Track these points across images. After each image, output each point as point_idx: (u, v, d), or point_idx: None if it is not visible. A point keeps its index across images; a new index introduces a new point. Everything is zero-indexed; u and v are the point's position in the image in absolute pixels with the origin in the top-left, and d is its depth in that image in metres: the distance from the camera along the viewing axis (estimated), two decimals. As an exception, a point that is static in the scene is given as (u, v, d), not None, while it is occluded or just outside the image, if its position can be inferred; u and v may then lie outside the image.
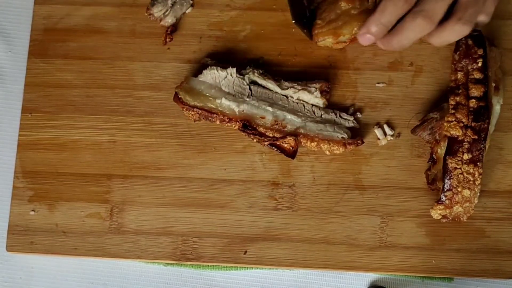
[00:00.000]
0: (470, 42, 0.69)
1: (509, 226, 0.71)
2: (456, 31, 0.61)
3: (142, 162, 0.73)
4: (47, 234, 0.72)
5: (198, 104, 0.70)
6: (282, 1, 0.75)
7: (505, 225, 0.71)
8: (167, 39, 0.75)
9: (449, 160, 0.67)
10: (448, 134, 0.67)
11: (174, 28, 0.75)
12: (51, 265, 0.74)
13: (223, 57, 0.74)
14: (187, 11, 0.75)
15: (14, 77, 0.78)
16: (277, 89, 0.72)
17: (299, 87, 0.72)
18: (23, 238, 0.72)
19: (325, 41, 0.71)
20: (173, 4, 0.74)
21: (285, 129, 0.70)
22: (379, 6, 0.62)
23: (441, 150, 0.68)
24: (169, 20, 0.75)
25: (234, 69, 0.71)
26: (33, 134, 0.74)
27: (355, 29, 0.70)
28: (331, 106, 0.73)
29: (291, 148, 0.70)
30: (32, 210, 0.73)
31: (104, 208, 0.73)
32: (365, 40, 0.64)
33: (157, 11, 0.74)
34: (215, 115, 0.70)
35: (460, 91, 0.68)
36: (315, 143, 0.70)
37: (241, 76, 0.71)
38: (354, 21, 0.70)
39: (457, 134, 0.67)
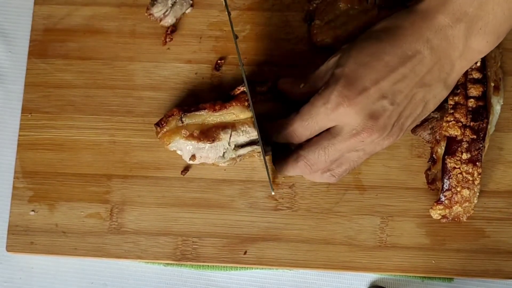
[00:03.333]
0: (470, 42, 0.69)
1: (509, 226, 0.71)
2: (322, 179, 0.67)
3: (142, 162, 0.73)
4: (47, 234, 0.72)
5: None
6: (282, 1, 0.75)
7: (505, 225, 0.71)
8: (167, 39, 0.75)
9: (448, 159, 0.67)
10: (447, 134, 0.67)
11: (174, 28, 0.75)
12: (51, 265, 0.74)
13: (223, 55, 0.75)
14: (187, 11, 0.75)
15: (14, 77, 0.78)
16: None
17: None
18: (23, 238, 0.72)
19: (324, 41, 0.71)
20: (173, 4, 0.74)
21: None
22: (278, 127, 0.67)
23: (441, 150, 0.68)
24: (169, 20, 0.75)
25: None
26: (33, 134, 0.74)
27: (353, 29, 0.70)
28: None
29: None
30: (32, 210, 0.73)
31: (104, 208, 0.73)
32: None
33: (157, 11, 0.74)
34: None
35: (458, 91, 0.68)
36: None
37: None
38: (352, 21, 0.70)
39: (456, 133, 0.67)
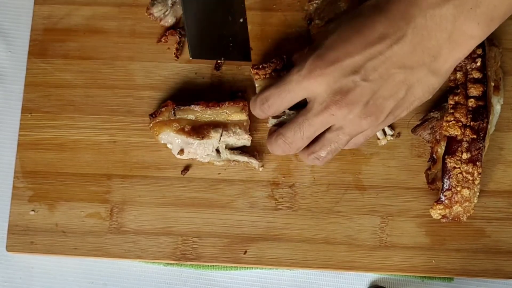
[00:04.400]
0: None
1: (509, 226, 0.71)
2: (309, 161, 0.66)
3: (142, 162, 0.73)
4: (47, 234, 0.72)
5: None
6: (282, 1, 0.75)
7: (505, 225, 0.71)
8: (162, 39, 0.75)
9: (448, 159, 0.67)
10: (447, 134, 0.67)
11: (179, 28, 0.75)
12: (51, 265, 0.74)
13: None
14: None
15: (14, 77, 0.78)
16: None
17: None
18: (23, 238, 0.72)
19: (323, 40, 0.71)
20: (173, 4, 0.74)
21: None
22: (252, 98, 0.66)
23: (441, 149, 0.68)
24: (169, 20, 0.75)
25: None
26: (33, 134, 0.74)
27: None
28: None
29: None
30: (32, 210, 0.73)
31: (104, 208, 0.73)
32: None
33: (157, 11, 0.74)
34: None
35: (459, 90, 0.68)
36: None
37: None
38: None
39: (456, 133, 0.67)
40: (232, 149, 0.72)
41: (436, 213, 0.68)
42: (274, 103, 0.64)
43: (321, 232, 0.71)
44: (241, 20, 0.70)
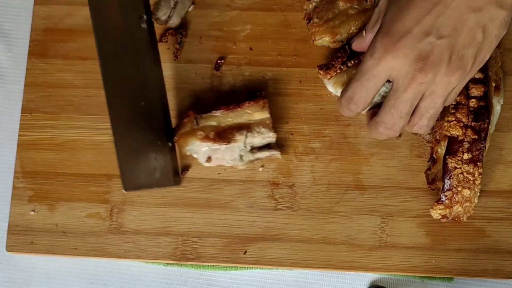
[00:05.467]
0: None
1: (509, 226, 0.71)
2: (413, 131, 0.64)
3: (142, 162, 0.73)
4: (47, 234, 0.72)
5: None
6: (282, 1, 0.75)
7: (505, 225, 0.71)
8: (163, 39, 0.75)
9: (449, 159, 0.67)
10: (448, 134, 0.67)
11: (181, 28, 0.75)
12: (51, 265, 0.74)
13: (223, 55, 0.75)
14: (189, 9, 0.75)
15: (14, 77, 0.78)
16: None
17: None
18: (23, 238, 0.72)
19: (322, 40, 0.71)
20: (175, 4, 0.74)
21: None
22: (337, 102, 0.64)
23: (441, 149, 0.68)
24: (175, 21, 0.74)
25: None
26: (33, 134, 0.74)
27: (352, 28, 0.70)
28: (331, 106, 0.73)
29: None
30: (32, 210, 0.73)
31: (104, 208, 0.73)
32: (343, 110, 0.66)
33: (162, 14, 0.74)
34: None
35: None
36: None
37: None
38: (351, 20, 0.70)
39: (457, 133, 0.67)
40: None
41: (436, 213, 0.68)
42: (360, 97, 0.62)
43: (321, 232, 0.71)
44: (170, 145, 0.70)
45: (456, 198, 0.67)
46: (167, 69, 0.75)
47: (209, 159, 0.69)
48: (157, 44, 0.70)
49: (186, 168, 0.73)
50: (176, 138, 0.70)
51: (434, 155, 0.70)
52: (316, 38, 0.72)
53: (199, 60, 0.75)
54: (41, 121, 0.74)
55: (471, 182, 0.66)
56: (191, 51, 0.75)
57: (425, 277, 0.72)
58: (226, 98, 0.74)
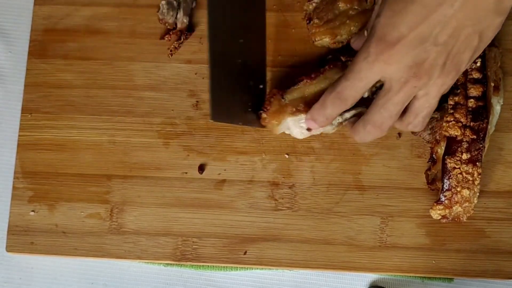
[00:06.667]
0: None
1: (509, 226, 0.71)
2: (408, 130, 0.64)
3: (142, 162, 0.73)
4: (47, 235, 0.72)
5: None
6: (282, 1, 0.75)
7: (505, 225, 0.71)
8: (165, 38, 0.75)
9: (448, 160, 0.67)
10: (447, 134, 0.67)
11: (190, 27, 0.75)
12: (51, 265, 0.74)
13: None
14: (193, 6, 0.75)
15: (14, 77, 0.78)
16: None
17: None
18: (23, 239, 0.72)
19: (322, 40, 0.71)
20: (179, 4, 0.74)
21: None
22: (321, 98, 0.65)
23: (441, 150, 0.68)
24: (184, 20, 0.74)
25: None
26: (33, 134, 0.74)
27: (352, 29, 0.70)
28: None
29: None
30: (32, 211, 0.73)
31: (104, 208, 0.73)
32: (310, 125, 0.67)
33: (169, 16, 0.74)
34: None
35: (458, 91, 0.68)
36: None
37: None
38: (352, 21, 0.70)
39: (456, 134, 0.67)
40: None
41: (436, 213, 0.68)
42: (349, 95, 0.62)
43: (321, 233, 0.71)
44: (261, 87, 0.70)
45: (456, 199, 0.67)
46: (167, 69, 0.75)
47: (308, 130, 0.69)
48: None
49: (201, 167, 0.73)
50: (266, 120, 0.69)
51: (434, 156, 0.70)
52: (317, 39, 0.72)
53: (199, 60, 0.75)
54: (41, 121, 0.74)
55: (470, 182, 0.66)
56: (191, 51, 0.75)
57: (425, 277, 0.72)
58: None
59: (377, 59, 0.58)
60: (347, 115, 0.68)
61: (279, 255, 0.71)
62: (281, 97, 0.69)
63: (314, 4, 0.73)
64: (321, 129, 0.68)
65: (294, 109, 0.68)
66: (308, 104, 0.68)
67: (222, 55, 0.66)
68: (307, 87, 0.69)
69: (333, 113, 0.64)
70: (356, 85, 0.61)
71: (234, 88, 0.68)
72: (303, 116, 0.68)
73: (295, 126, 0.69)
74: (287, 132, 0.70)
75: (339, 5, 0.71)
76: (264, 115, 0.69)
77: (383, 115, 0.61)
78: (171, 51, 0.75)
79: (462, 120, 0.67)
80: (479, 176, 0.66)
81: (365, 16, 0.70)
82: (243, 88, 0.69)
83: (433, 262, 0.70)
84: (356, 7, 0.70)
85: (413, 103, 0.61)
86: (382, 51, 0.58)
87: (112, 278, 0.74)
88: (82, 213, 0.73)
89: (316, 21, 0.72)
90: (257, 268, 0.73)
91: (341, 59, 0.70)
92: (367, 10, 0.70)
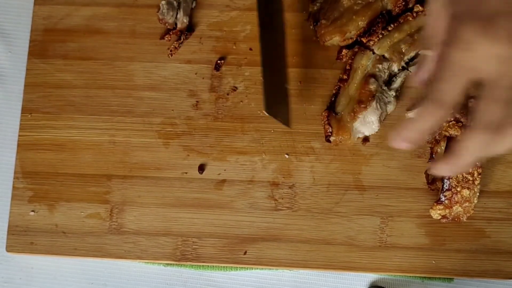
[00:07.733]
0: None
1: (509, 226, 0.71)
2: None
3: (142, 162, 0.73)
4: (47, 235, 0.72)
5: None
6: (282, 1, 0.75)
7: (505, 225, 0.71)
8: (165, 38, 0.75)
9: (449, 160, 0.67)
10: (447, 134, 0.67)
11: (190, 27, 0.75)
12: (51, 266, 0.74)
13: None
14: (193, 6, 0.75)
15: (14, 77, 0.78)
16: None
17: None
18: (23, 239, 0.72)
19: (332, 40, 0.71)
20: (179, 4, 0.74)
21: None
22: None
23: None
24: (184, 20, 0.74)
25: None
26: (33, 134, 0.74)
27: (360, 23, 0.70)
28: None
29: None
30: (32, 211, 0.73)
31: (104, 208, 0.73)
32: (398, 145, 0.53)
33: (169, 17, 0.74)
34: None
35: (459, 91, 0.68)
36: None
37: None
38: (358, 16, 0.70)
39: (456, 133, 0.67)
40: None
41: (436, 213, 0.68)
42: (450, 98, 0.50)
43: (321, 233, 0.71)
44: (287, 86, 0.71)
45: (456, 198, 0.67)
46: (167, 69, 0.75)
47: (366, 140, 0.72)
48: None
49: (201, 167, 0.73)
50: (337, 141, 0.71)
51: (434, 156, 0.70)
52: (326, 39, 0.72)
53: (199, 60, 0.75)
54: (41, 121, 0.74)
55: (470, 182, 0.66)
56: (191, 51, 0.75)
57: (425, 277, 0.72)
58: (227, 97, 0.74)
59: (476, 41, 0.48)
60: (395, 85, 0.71)
61: (279, 255, 0.71)
62: (333, 113, 0.71)
63: (318, 5, 0.73)
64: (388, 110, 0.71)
65: (352, 114, 0.70)
66: (358, 102, 0.70)
67: (269, 58, 0.70)
68: (346, 90, 0.71)
69: (427, 124, 0.51)
70: (455, 82, 0.50)
71: (280, 87, 0.70)
72: (363, 113, 0.70)
73: (364, 127, 0.71)
74: (361, 136, 0.72)
75: (343, 2, 0.71)
76: (332, 139, 0.71)
77: (495, 109, 0.49)
78: (171, 51, 0.75)
79: (462, 120, 0.67)
80: (479, 176, 0.66)
81: (371, 8, 0.70)
82: (280, 86, 0.70)
83: (433, 262, 0.70)
84: (360, 1, 0.70)
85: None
86: (480, 30, 0.48)
87: (112, 278, 0.74)
88: (82, 213, 0.73)
89: (323, 21, 0.72)
90: (257, 268, 0.73)
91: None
92: (370, 2, 0.70)
